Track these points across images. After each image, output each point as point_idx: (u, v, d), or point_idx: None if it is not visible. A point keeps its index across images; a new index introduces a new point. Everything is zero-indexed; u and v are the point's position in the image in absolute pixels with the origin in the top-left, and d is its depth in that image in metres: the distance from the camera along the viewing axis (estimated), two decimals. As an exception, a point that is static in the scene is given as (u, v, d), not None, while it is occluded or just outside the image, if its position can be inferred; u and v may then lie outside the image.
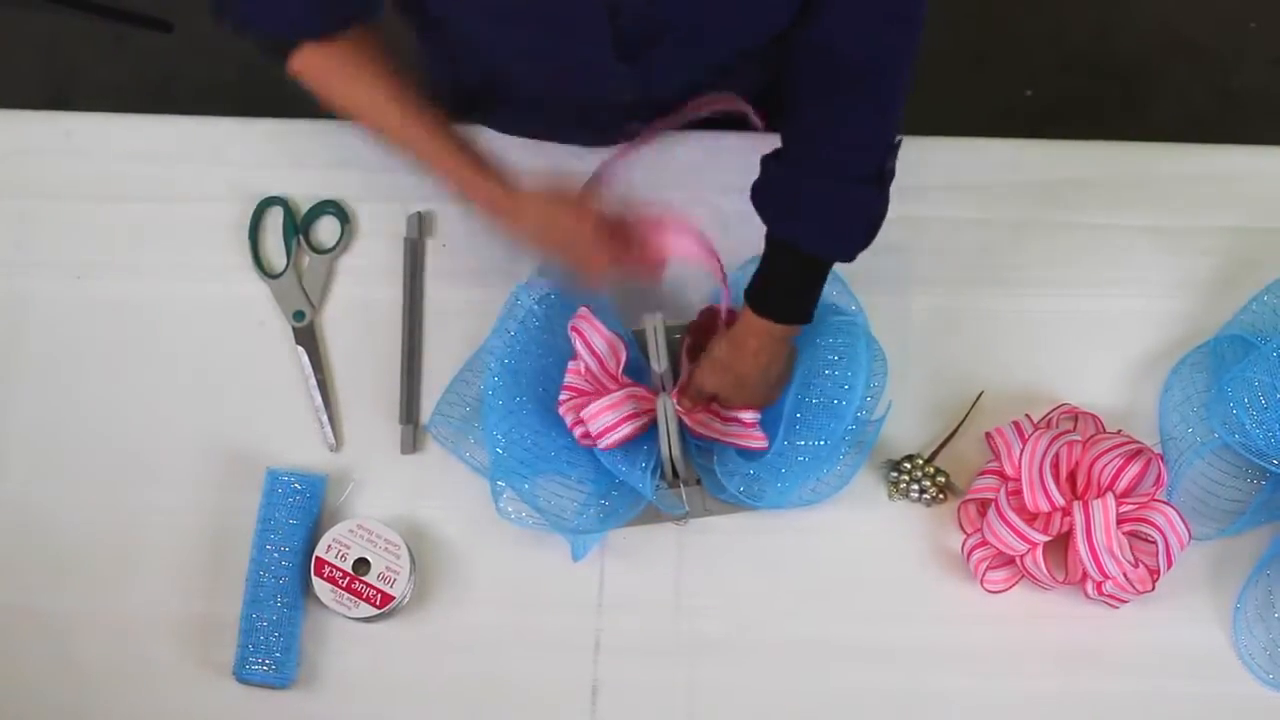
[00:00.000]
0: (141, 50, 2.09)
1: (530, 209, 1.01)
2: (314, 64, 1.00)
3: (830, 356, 1.10)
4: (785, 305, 1.02)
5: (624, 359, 1.09)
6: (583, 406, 1.06)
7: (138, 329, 1.17)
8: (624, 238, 1.04)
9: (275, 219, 1.20)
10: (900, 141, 1.00)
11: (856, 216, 1.00)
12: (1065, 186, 1.21)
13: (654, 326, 1.08)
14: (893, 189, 1.02)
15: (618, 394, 1.07)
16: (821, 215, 1.00)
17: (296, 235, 1.19)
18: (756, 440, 1.08)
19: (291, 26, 0.99)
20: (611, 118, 1.16)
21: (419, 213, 1.19)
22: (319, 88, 1.02)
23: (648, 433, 1.08)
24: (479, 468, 1.11)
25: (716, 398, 1.08)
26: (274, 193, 1.20)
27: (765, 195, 1.02)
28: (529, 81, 1.10)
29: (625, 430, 1.06)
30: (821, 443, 1.08)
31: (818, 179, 0.99)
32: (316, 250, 1.19)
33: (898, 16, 0.97)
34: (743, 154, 1.20)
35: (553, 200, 1.02)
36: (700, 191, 1.20)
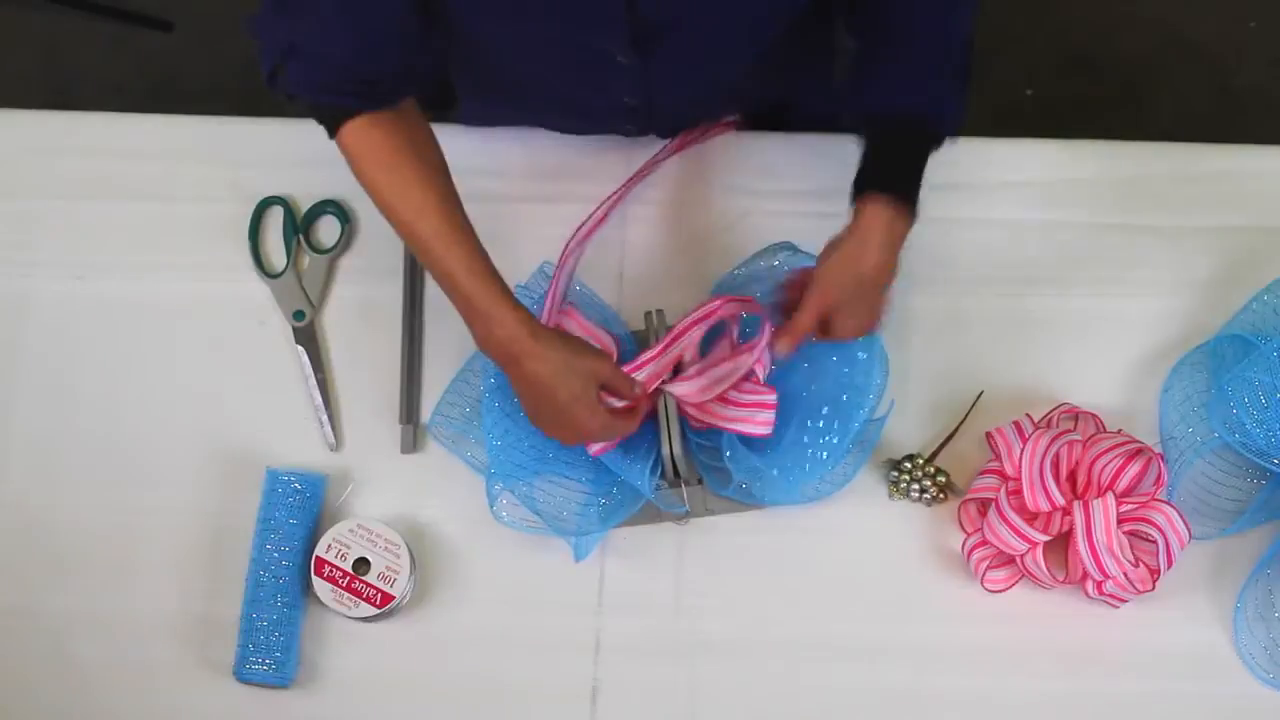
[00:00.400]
0: (141, 50, 2.09)
1: (551, 357, 0.97)
2: (360, 142, 0.96)
3: (844, 352, 1.09)
4: (906, 181, 1.01)
5: (616, 355, 1.09)
6: None
7: (138, 329, 1.17)
8: (622, 404, 1.04)
9: (275, 219, 1.20)
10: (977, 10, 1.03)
11: (958, 88, 1.02)
12: (1065, 187, 1.21)
13: (654, 326, 1.08)
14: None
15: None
16: (924, 80, 1.01)
17: (296, 235, 1.19)
18: (763, 426, 1.06)
19: (330, 93, 0.96)
20: (613, 122, 1.16)
21: (419, 213, 1.19)
22: (362, 170, 0.98)
23: (648, 430, 1.08)
24: (480, 467, 1.11)
25: (828, 320, 1.04)
26: (274, 193, 1.20)
27: (860, 81, 1.03)
28: (536, 79, 1.10)
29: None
30: (834, 440, 1.07)
31: (912, 48, 1.01)
32: (316, 250, 1.19)
33: None
34: (745, 153, 1.21)
35: (573, 353, 0.98)
36: (700, 191, 1.20)
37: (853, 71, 1.04)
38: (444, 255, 0.97)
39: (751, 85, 1.15)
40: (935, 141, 1.02)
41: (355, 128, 0.96)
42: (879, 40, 1.03)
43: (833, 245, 1.02)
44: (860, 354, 1.09)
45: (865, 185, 1.01)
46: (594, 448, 1.06)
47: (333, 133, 0.97)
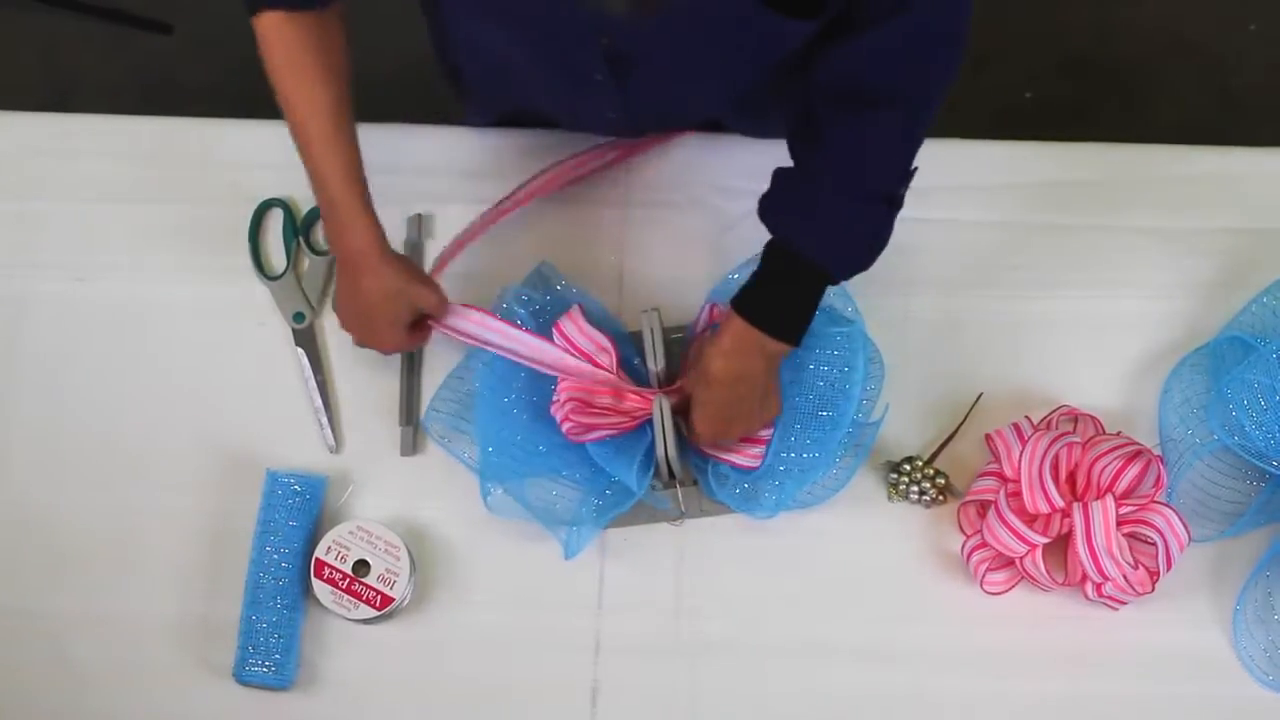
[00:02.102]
0: (141, 51, 2.09)
1: (387, 277, 1.03)
2: (270, 33, 0.99)
3: (825, 369, 1.10)
4: (775, 313, 1.00)
5: (615, 357, 1.09)
6: (579, 407, 1.07)
7: (138, 330, 1.16)
8: (424, 328, 1.10)
9: (275, 220, 1.20)
10: (915, 170, 0.99)
11: (864, 234, 0.99)
12: (1065, 187, 1.21)
13: (650, 326, 1.08)
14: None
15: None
16: (830, 226, 0.98)
17: (296, 237, 1.19)
18: (750, 460, 1.08)
19: None
20: (601, 127, 1.17)
21: (419, 215, 1.19)
22: (268, 60, 1.00)
23: (643, 428, 1.08)
24: (474, 464, 1.11)
25: (706, 429, 1.05)
26: (274, 194, 1.20)
27: (773, 204, 1.01)
28: (526, 79, 1.10)
29: (605, 431, 1.07)
30: (815, 455, 1.08)
31: (831, 192, 0.97)
32: (316, 252, 1.19)
33: (939, 41, 0.95)
34: (743, 154, 1.21)
35: (407, 282, 1.04)
36: (700, 191, 1.20)
37: (774, 184, 1.01)
38: (324, 157, 1.01)
39: (734, 106, 1.15)
40: (825, 285, 1.00)
41: (274, 20, 0.99)
42: (808, 173, 0.99)
43: (702, 342, 1.05)
44: (838, 368, 1.09)
45: (739, 304, 1.00)
46: (586, 436, 1.07)
47: (251, 13, 0.99)
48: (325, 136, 1.01)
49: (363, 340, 1.10)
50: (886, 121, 0.97)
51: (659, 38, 0.93)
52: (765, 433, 1.08)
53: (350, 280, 1.05)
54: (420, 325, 1.09)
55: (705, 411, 1.04)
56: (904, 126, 0.98)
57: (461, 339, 1.10)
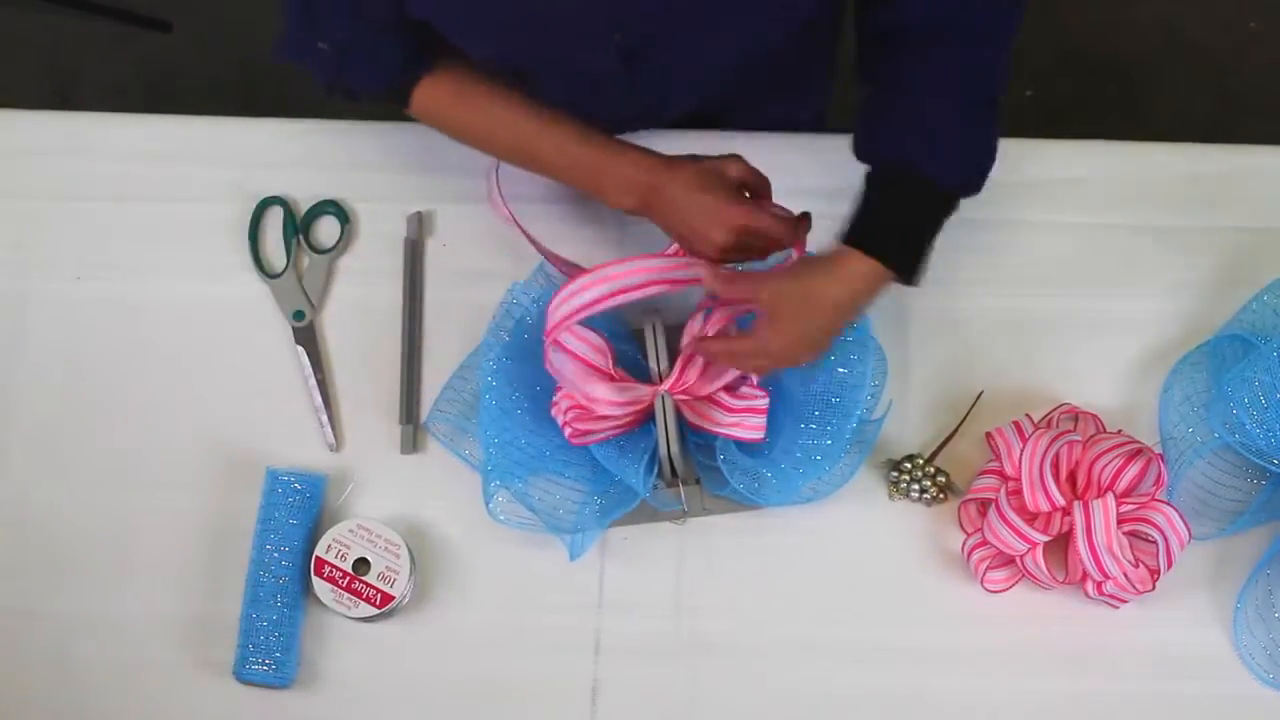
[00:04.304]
0: (142, 50, 2.09)
1: (688, 166, 0.99)
2: (431, 101, 1.02)
3: (838, 354, 1.09)
4: (895, 243, 0.93)
5: (611, 356, 1.09)
6: (580, 415, 1.06)
7: (138, 329, 1.17)
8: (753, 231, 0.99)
9: (275, 219, 1.20)
10: (1009, 78, 0.96)
11: (978, 141, 0.95)
12: (1065, 186, 1.20)
13: (653, 326, 1.08)
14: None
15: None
16: (942, 136, 0.93)
17: (296, 235, 1.19)
18: (753, 431, 1.07)
19: (393, 78, 1.01)
20: (612, 128, 1.17)
21: (419, 213, 1.19)
22: (445, 122, 1.03)
23: (646, 428, 1.08)
24: (477, 465, 1.11)
25: (756, 327, 0.98)
26: (274, 193, 1.20)
27: (869, 129, 0.96)
28: (530, 84, 1.10)
29: (607, 433, 1.07)
30: (829, 442, 1.07)
31: (936, 100, 0.93)
32: (316, 250, 1.19)
33: None
34: (743, 154, 1.21)
35: (701, 162, 1.00)
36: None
37: (859, 120, 0.98)
38: (552, 139, 1.01)
39: (748, 97, 1.15)
40: (940, 200, 0.95)
41: (425, 90, 1.02)
42: (889, 86, 0.96)
43: (804, 261, 0.99)
44: (853, 355, 1.09)
45: (850, 236, 0.95)
46: (588, 438, 1.06)
47: (407, 105, 1.03)
48: (537, 130, 1.01)
49: (723, 235, 0.97)
50: (971, 29, 0.93)
51: (673, 18, 0.93)
52: (762, 402, 1.07)
53: (666, 205, 0.99)
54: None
55: (787, 327, 0.95)
56: (990, 29, 0.95)
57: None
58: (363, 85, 1.02)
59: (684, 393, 1.07)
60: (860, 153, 0.98)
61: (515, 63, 1.02)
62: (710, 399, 1.08)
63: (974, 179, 0.97)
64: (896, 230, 0.95)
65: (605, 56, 0.96)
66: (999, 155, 0.95)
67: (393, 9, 0.96)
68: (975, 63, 0.95)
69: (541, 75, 1.02)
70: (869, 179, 0.97)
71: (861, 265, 0.94)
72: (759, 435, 1.06)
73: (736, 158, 1.01)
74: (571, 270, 1.13)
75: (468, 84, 1.03)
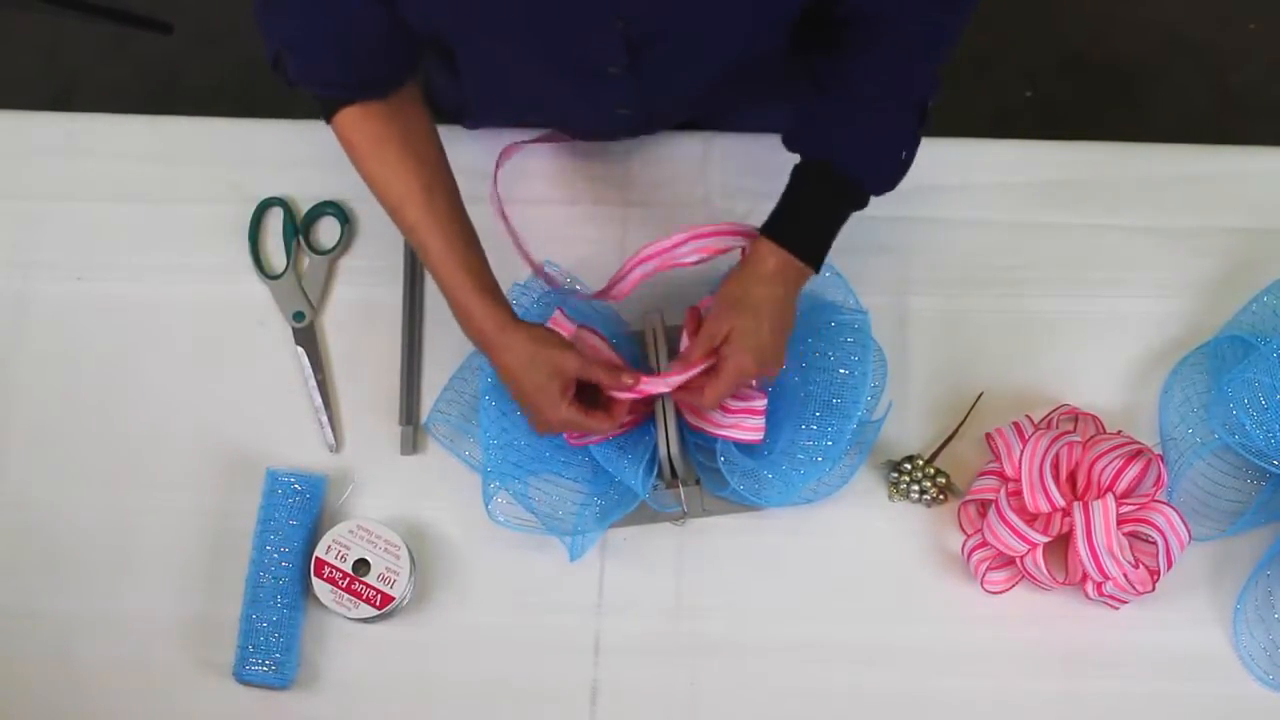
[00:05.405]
0: (142, 51, 2.09)
1: (517, 349, 0.99)
2: (350, 133, 1.00)
3: (839, 355, 1.09)
4: (805, 235, 0.99)
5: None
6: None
7: (138, 329, 1.17)
8: (590, 399, 1.03)
9: (275, 219, 1.20)
10: (940, 85, 0.99)
11: (893, 142, 1.00)
12: (1065, 187, 1.21)
13: (654, 327, 1.08)
14: (893, 191, 1.02)
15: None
16: (858, 136, 0.98)
17: (296, 236, 1.19)
18: (752, 433, 1.06)
19: (325, 86, 0.99)
20: (610, 131, 1.17)
21: (419, 213, 1.19)
22: (352, 158, 1.01)
23: (646, 428, 1.08)
24: (478, 466, 1.11)
25: (721, 357, 1.01)
26: (274, 193, 1.20)
27: (799, 128, 1.01)
28: (533, 97, 1.10)
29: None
30: (829, 443, 1.07)
31: (858, 104, 0.98)
32: (316, 251, 1.19)
33: None
34: (743, 154, 1.21)
35: (539, 346, 0.99)
36: (700, 191, 1.20)
37: (798, 116, 1.03)
38: (425, 244, 1.00)
39: (744, 94, 1.15)
40: (856, 202, 1.01)
41: (348, 118, 1.00)
42: (830, 86, 1.00)
43: (724, 278, 1.02)
44: (854, 356, 1.09)
45: (770, 230, 1.00)
46: (586, 439, 1.06)
47: (328, 119, 1.00)
48: (420, 224, 0.99)
49: (536, 424, 1.03)
50: (911, 32, 0.97)
51: (677, 7, 0.93)
52: (761, 403, 1.07)
53: (493, 363, 1.01)
54: (601, 403, 1.03)
55: (748, 342, 1.00)
56: (930, 35, 0.98)
57: (652, 387, 1.03)
58: (298, 80, 0.99)
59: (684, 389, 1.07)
60: (787, 142, 1.02)
61: (519, 55, 1.01)
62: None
63: (890, 179, 1.01)
64: (809, 224, 1.00)
65: (608, 48, 0.96)
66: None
67: (349, 25, 0.95)
68: (907, 65, 0.99)
69: (545, 70, 1.02)
70: (794, 170, 1.01)
71: (774, 258, 0.99)
72: (758, 437, 1.06)
73: (574, 354, 1.01)
74: (546, 278, 1.13)
75: (391, 136, 0.99)
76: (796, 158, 1.02)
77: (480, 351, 1.02)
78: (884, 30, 0.97)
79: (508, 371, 1.00)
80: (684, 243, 1.06)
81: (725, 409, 1.06)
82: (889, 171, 1.01)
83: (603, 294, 1.10)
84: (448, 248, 1.00)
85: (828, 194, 1.00)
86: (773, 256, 0.99)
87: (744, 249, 1.05)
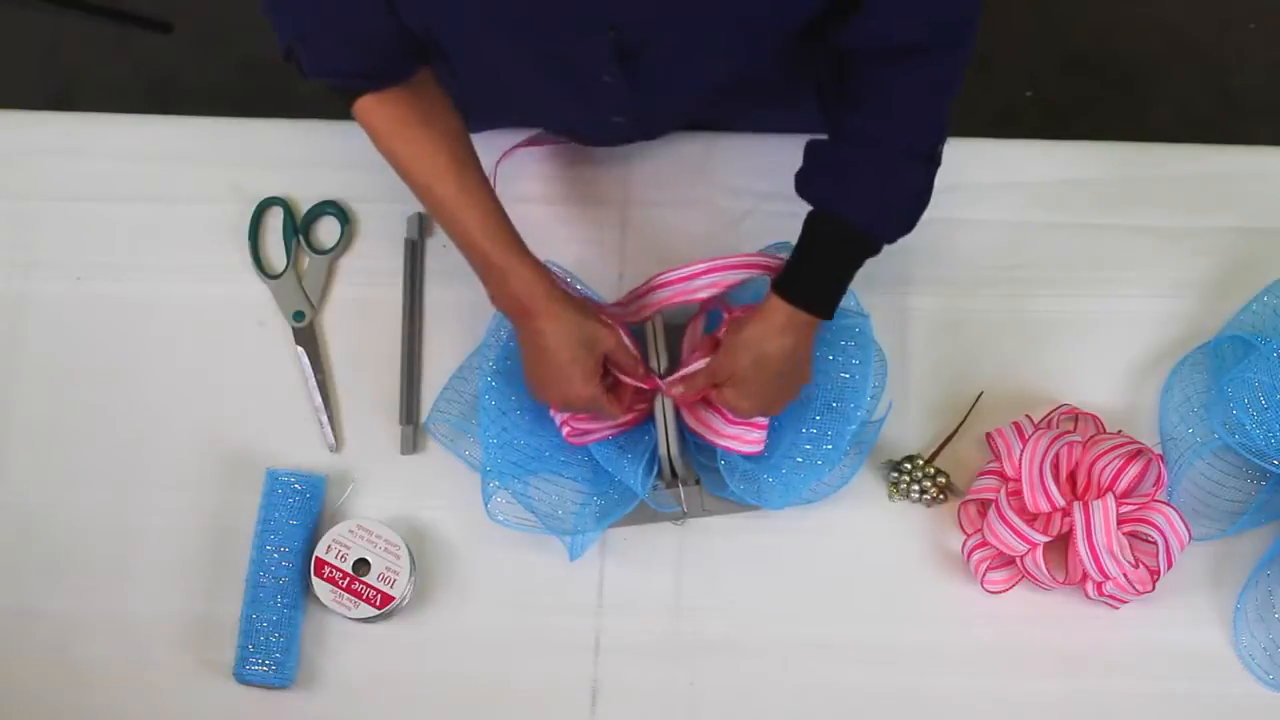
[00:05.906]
0: (142, 51, 2.09)
1: (563, 317, 0.98)
2: (372, 118, 1.00)
3: (840, 359, 1.09)
4: (816, 290, 1.00)
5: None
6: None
7: (138, 329, 1.16)
8: (619, 383, 1.04)
9: (275, 219, 1.20)
10: (947, 130, 0.99)
11: (906, 192, 0.99)
12: (1065, 187, 1.21)
13: (653, 325, 1.08)
14: None
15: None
16: (871, 188, 0.98)
17: (296, 236, 1.19)
18: (753, 445, 1.07)
19: (340, 77, 0.99)
20: (605, 137, 1.16)
21: (419, 213, 1.19)
22: (377, 142, 1.01)
23: (646, 428, 1.08)
24: (477, 465, 1.11)
25: (722, 393, 1.03)
26: (274, 193, 1.20)
27: (810, 174, 1.01)
28: (529, 102, 1.10)
29: (605, 433, 1.07)
30: (829, 446, 1.07)
31: (868, 153, 0.98)
32: (316, 251, 1.19)
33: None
34: (743, 154, 1.21)
35: (584, 316, 0.99)
36: (700, 191, 1.20)
37: (808, 157, 1.02)
38: (460, 216, 0.99)
39: (745, 103, 1.15)
40: (870, 251, 1.01)
41: (367, 105, 0.99)
42: (844, 134, 1.00)
43: (739, 322, 1.02)
44: (855, 359, 1.09)
45: (782, 285, 0.99)
46: (586, 437, 1.06)
47: (348, 108, 1.00)
48: (452, 199, 0.99)
49: (556, 397, 1.02)
50: (918, 76, 0.96)
51: (669, 17, 0.93)
52: (763, 418, 1.07)
53: (527, 333, 1.00)
54: (617, 386, 1.04)
55: (750, 389, 1.02)
56: (936, 79, 0.97)
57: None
58: (312, 72, 0.99)
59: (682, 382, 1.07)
60: (800, 190, 1.01)
61: (514, 59, 1.01)
62: (709, 403, 1.08)
63: (906, 228, 1.01)
64: (821, 279, 1.00)
65: (601, 55, 0.96)
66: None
67: (359, 20, 0.95)
68: (922, 110, 0.98)
69: (540, 76, 1.02)
70: (807, 220, 1.00)
71: (783, 312, 0.99)
72: (758, 449, 1.07)
73: (615, 330, 1.02)
74: None
75: (413, 117, 1.00)
76: (799, 160, 1.02)
77: (512, 317, 1.01)
78: (898, 74, 0.96)
79: (543, 339, 0.99)
80: (703, 274, 1.06)
81: (727, 420, 1.07)
82: (905, 222, 1.01)
83: (620, 308, 1.10)
84: (485, 217, 0.99)
85: (841, 247, 1.00)
86: (782, 310, 0.99)
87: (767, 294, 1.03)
